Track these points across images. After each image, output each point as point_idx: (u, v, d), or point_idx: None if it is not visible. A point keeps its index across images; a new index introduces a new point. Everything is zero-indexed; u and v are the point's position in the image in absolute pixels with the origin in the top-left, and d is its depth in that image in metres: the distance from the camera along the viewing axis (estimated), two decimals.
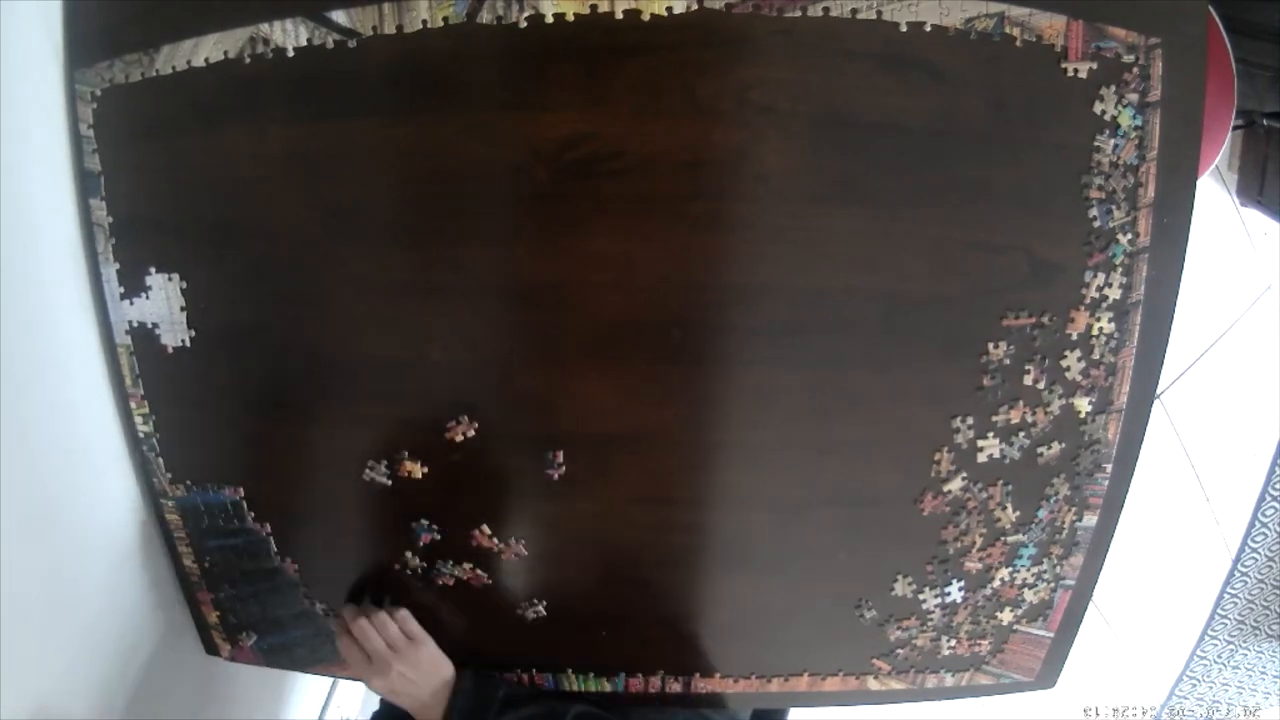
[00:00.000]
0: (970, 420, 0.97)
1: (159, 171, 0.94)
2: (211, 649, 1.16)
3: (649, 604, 1.04)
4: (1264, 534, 2.46)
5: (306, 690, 1.54)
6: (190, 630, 1.15)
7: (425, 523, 1.03)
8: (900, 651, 1.10)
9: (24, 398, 0.85)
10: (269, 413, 1.00)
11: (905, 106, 0.86)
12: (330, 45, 0.86)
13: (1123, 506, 1.06)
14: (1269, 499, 2.39)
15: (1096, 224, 0.91)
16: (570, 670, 1.10)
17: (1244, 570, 2.54)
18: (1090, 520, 1.05)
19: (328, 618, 1.11)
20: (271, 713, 1.40)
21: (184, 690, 1.16)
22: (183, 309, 0.96)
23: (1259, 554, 2.49)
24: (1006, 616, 1.09)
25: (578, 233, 0.89)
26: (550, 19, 0.83)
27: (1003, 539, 1.03)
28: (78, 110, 0.93)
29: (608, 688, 1.11)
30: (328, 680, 1.59)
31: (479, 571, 1.04)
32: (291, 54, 0.87)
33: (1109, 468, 1.02)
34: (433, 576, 1.06)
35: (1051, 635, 1.12)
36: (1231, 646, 2.72)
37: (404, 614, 1.05)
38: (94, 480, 0.99)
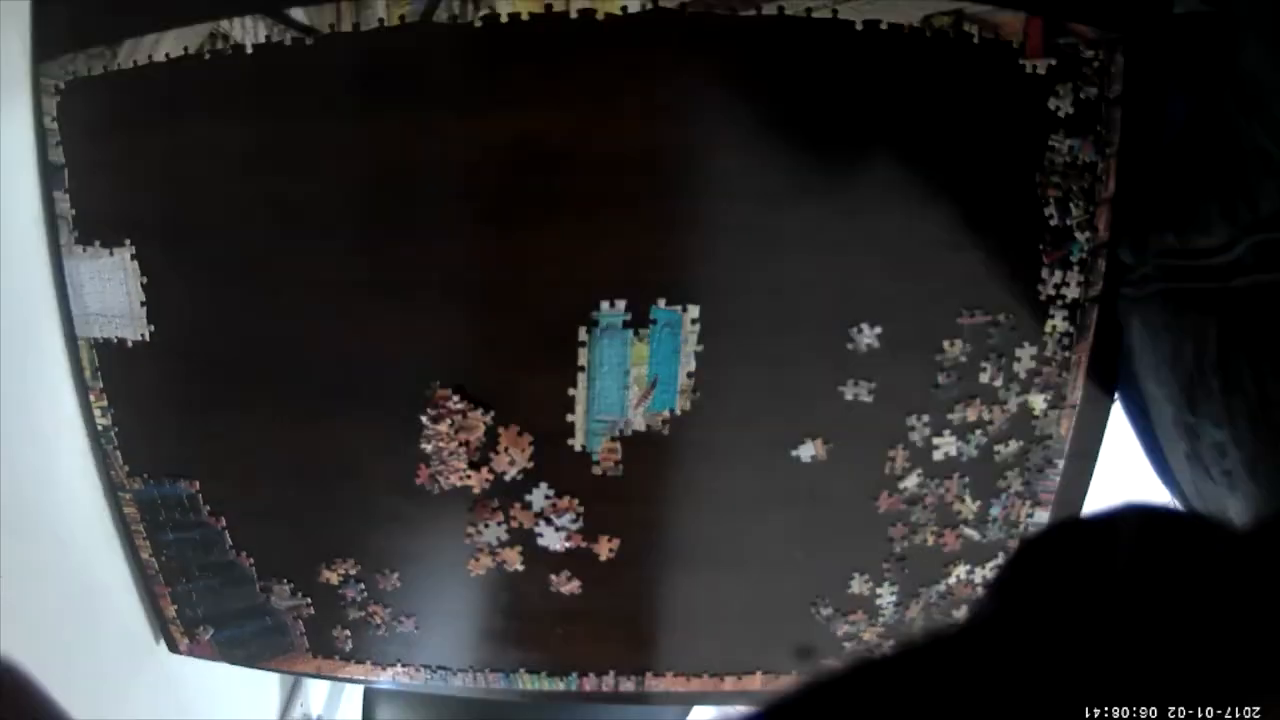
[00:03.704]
0: (926, 418, 0.97)
1: (121, 165, 0.95)
2: (170, 643, 1.16)
3: (603, 602, 1.04)
4: None
5: (268, 686, 1.54)
6: (149, 625, 1.15)
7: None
8: (847, 645, 1.09)
9: None
10: (225, 407, 1.00)
11: (861, 105, 0.87)
12: (288, 42, 0.87)
13: (1082, 505, 1.05)
14: None
15: (1053, 222, 0.92)
16: (523, 670, 1.10)
17: None
18: (1042, 516, 1.05)
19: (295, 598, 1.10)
20: (232, 710, 1.40)
21: (144, 686, 1.15)
22: (143, 304, 0.97)
23: None
24: (962, 615, 1.10)
25: (531, 231, 0.89)
26: (505, 18, 0.84)
27: (958, 529, 1.04)
28: (42, 102, 0.94)
29: (560, 687, 1.11)
30: (290, 678, 1.59)
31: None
32: (250, 50, 0.87)
33: (1060, 463, 1.02)
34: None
35: None
36: None
37: None
38: (54, 472, 0.99)
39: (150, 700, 1.17)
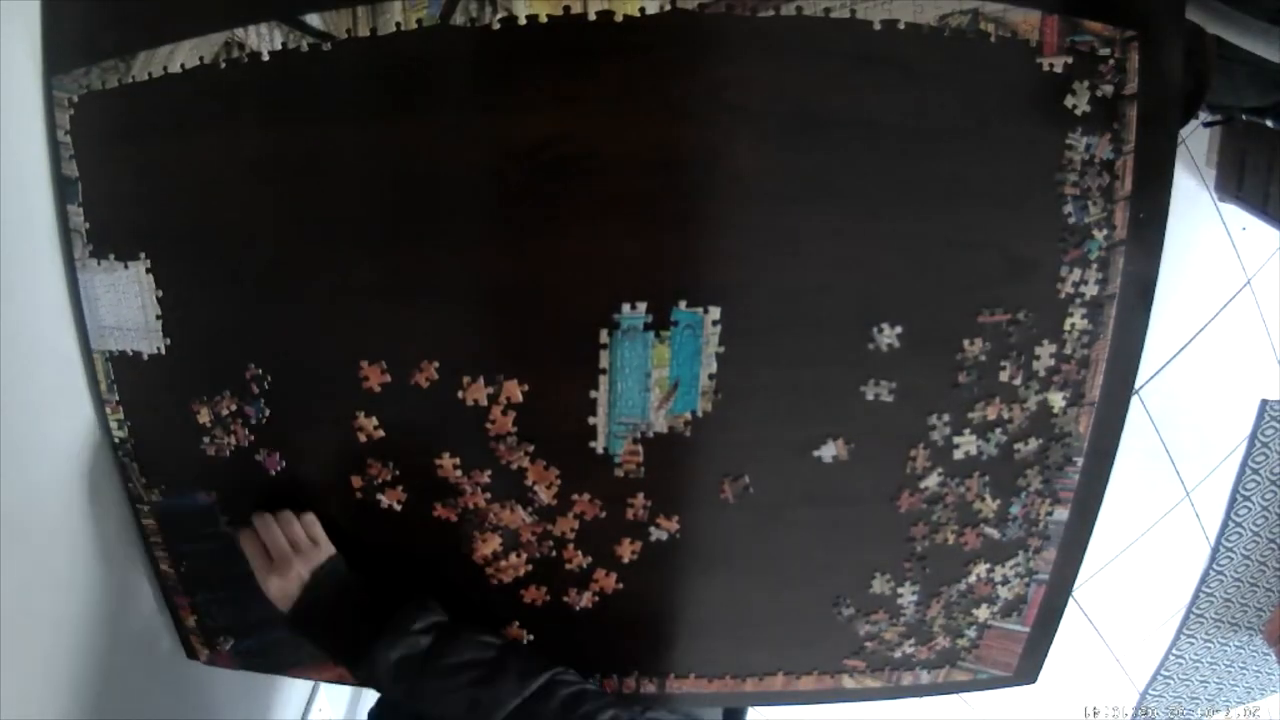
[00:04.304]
0: (947, 418, 0.97)
1: (135, 177, 0.94)
2: (190, 653, 1.15)
3: (625, 604, 1.04)
4: (1239, 533, 2.48)
5: (288, 692, 1.54)
6: (169, 635, 1.14)
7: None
8: (869, 645, 1.10)
9: (2, 404, 0.84)
10: (241, 418, 0.99)
11: (879, 105, 0.87)
12: (305, 49, 0.86)
13: (1099, 503, 1.06)
14: (1240, 499, 2.42)
15: (1071, 220, 0.92)
16: None
17: (1219, 569, 2.56)
18: (1061, 514, 1.06)
19: None
20: (252, 715, 1.40)
21: (164, 694, 1.15)
22: (158, 316, 0.96)
23: (1235, 553, 2.52)
24: (982, 613, 1.10)
25: (551, 234, 0.89)
26: (523, 20, 0.83)
27: (978, 528, 1.04)
28: (55, 116, 0.93)
29: None
30: (309, 683, 1.59)
31: None
32: (266, 58, 0.87)
33: (1079, 461, 1.03)
34: None
35: (1027, 630, 1.13)
36: (1209, 645, 2.74)
37: (310, 518, 1.00)
38: (71, 485, 0.98)
39: (171, 709, 1.16)
